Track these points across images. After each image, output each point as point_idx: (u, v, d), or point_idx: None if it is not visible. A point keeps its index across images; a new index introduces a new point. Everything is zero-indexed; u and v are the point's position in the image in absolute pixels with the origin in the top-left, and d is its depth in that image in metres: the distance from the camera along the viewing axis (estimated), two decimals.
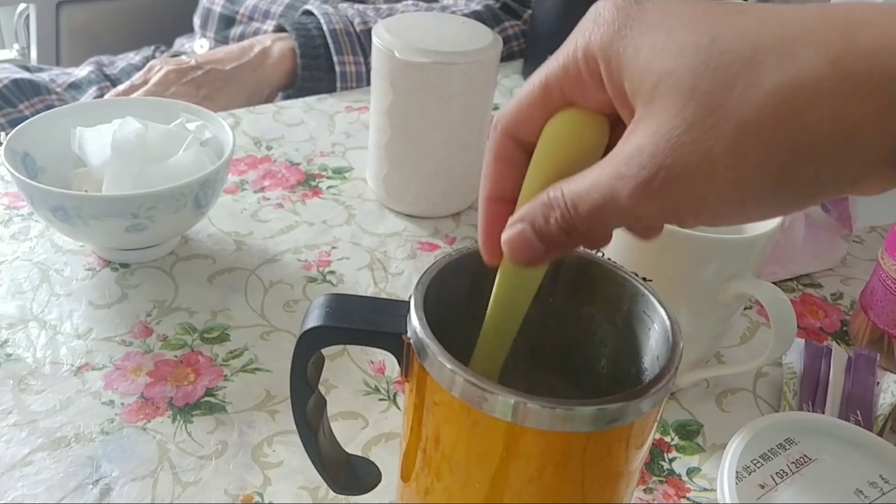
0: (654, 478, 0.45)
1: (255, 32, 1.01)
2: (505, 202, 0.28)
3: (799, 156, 0.21)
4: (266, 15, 1.02)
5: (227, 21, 1.06)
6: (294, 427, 0.34)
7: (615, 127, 0.26)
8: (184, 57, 0.86)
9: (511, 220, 0.27)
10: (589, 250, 0.31)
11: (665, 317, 0.31)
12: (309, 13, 0.91)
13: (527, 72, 0.95)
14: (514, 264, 0.28)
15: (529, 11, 0.98)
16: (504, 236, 0.27)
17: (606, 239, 0.28)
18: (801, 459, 0.42)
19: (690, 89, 0.22)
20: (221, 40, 1.06)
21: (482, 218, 0.29)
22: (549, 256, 0.27)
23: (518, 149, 0.28)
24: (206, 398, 0.48)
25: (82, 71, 1.05)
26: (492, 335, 0.32)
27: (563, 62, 0.26)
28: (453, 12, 0.93)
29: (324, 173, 0.72)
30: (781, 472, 0.41)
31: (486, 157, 0.29)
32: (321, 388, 0.35)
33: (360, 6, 0.94)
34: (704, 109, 0.22)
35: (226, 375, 0.49)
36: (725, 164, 0.22)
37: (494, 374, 0.33)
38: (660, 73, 0.23)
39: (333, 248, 0.62)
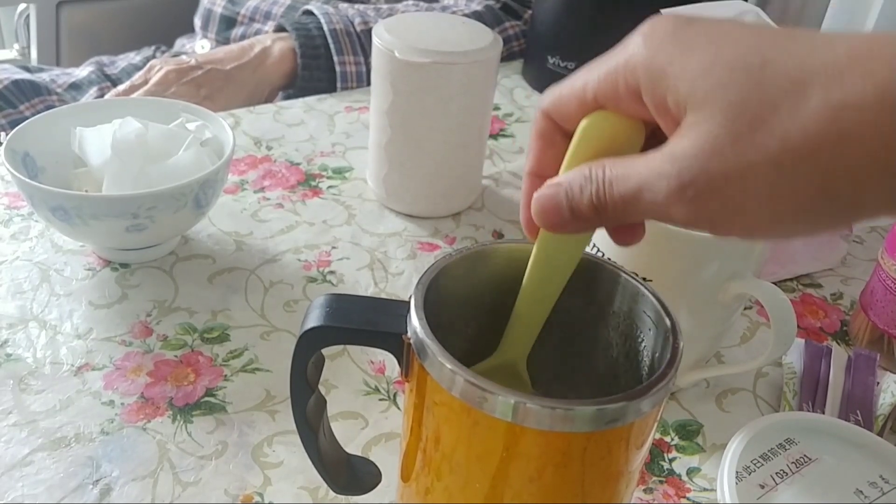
0: (654, 478, 0.45)
1: (256, 33, 1.01)
2: (544, 179, 0.29)
3: (839, 176, 0.22)
4: (267, 16, 1.02)
5: (228, 22, 1.06)
6: (294, 427, 0.34)
7: (648, 138, 0.28)
8: (184, 57, 0.86)
9: (549, 181, 0.28)
10: (606, 243, 0.32)
11: (665, 317, 0.31)
12: (309, 13, 0.91)
13: (527, 72, 0.95)
14: (539, 224, 0.29)
15: (529, 11, 0.98)
16: (536, 194, 0.28)
17: (633, 235, 0.29)
18: (801, 459, 0.42)
19: (738, 104, 0.23)
20: (222, 41, 1.06)
21: (524, 192, 0.30)
22: (572, 227, 0.28)
23: (556, 131, 0.29)
24: (206, 398, 0.48)
25: (83, 71, 1.05)
26: (524, 311, 0.32)
27: (604, 72, 0.27)
28: (453, 12, 0.93)
29: (324, 173, 0.72)
30: (781, 472, 0.41)
31: (530, 133, 0.31)
32: (321, 388, 0.35)
33: (361, 6, 0.94)
34: (751, 125, 0.23)
35: (226, 375, 0.49)
36: (766, 179, 0.22)
37: (524, 354, 0.33)
38: (708, 87, 0.24)
39: (333, 248, 0.62)
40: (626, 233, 0.30)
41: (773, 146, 0.22)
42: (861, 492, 0.40)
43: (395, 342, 0.31)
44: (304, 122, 0.80)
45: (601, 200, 0.26)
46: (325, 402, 0.36)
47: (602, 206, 0.26)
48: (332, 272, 0.59)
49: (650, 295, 0.32)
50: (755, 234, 0.24)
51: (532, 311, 0.32)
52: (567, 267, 0.31)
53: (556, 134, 0.29)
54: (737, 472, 0.40)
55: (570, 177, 0.28)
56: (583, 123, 0.28)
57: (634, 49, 0.26)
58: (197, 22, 1.11)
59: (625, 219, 0.27)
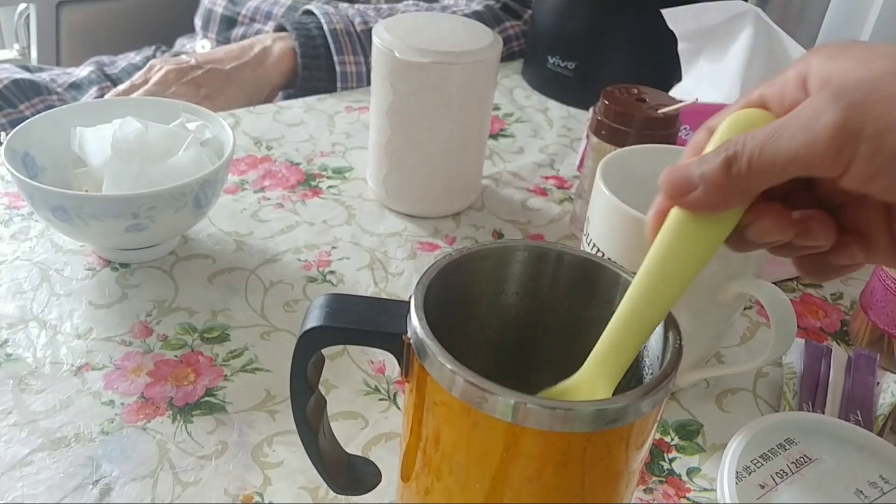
0: (654, 478, 0.45)
1: (257, 33, 1.01)
2: None
3: None
4: (267, 16, 1.02)
5: (229, 22, 1.06)
6: (294, 427, 0.34)
7: None
8: (184, 56, 0.86)
9: (682, 162, 0.28)
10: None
11: (665, 317, 0.31)
12: (309, 13, 0.91)
13: (527, 72, 0.95)
14: (666, 196, 0.27)
15: (529, 11, 0.98)
16: (667, 169, 0.28)
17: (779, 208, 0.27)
18: (801, 459, 0.42)
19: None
20: (223, 41, 1.06)
21: (657, 202, 0.29)
22: (702, 198, 0.26)
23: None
24: (206, 398, 0.48)
25: (83, 71, 1.05)
26: (630, 320, 0.29)
27: (777, 76, 0.27)
28: (453, 12, 0.93)
29: (324, 173, 0.72)
30: (781, 472, 0.41)
31: (685, 150, 0.30)
32: (321, 388, 0.35)
33: (361, 6, 0.94)
34: None
35: (226, 375, 0.49)
36: None
37: (620, 371, 0.30)
38: (870, 57, 0.25)
39: (333, 248, 0.62)
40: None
41: None
42: (861, 492, 0.40)
43: (395, 342, 0.31)
44: (304, 122, 0.80)
45: (736, 154, 0.25)
46: (325, 402, 0.36)
47: (736, 159, 0.25)
48: (332, 272, 0.59)
49: None
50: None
51: (639, 322, 0.29)
52: (690, 265, 0.28)
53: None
54: (737, 472, 0.40)
55: (708, 151, 0.27)
56: (727, 118, 0.28)
57: (807, 56, 0.27)
58: (197, 22, 1.11)
59: (760, 174, 0.25)
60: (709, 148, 0.28)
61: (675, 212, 0.28)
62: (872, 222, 0.27)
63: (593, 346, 0.36)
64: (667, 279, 0.28)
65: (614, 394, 0.27)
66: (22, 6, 1.31)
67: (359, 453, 0.44)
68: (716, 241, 0.28)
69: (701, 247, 0.28)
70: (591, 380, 0.30)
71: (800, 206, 0.28)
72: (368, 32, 0.87)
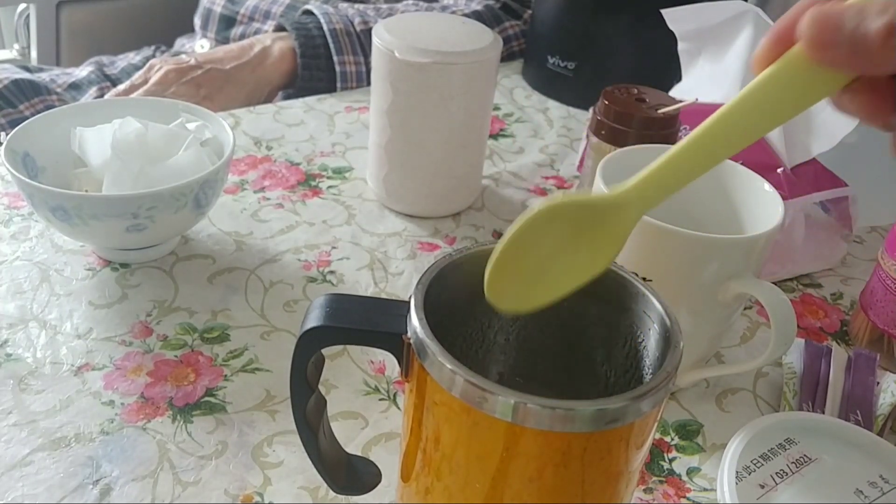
0: (654, 478, 0.45)
1: (256, 33, 1.01)
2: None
3: None
4: (267, 15, 1.02)
5: (228, 21, 1.06)
6: (294, 427, 0.34)
7: None
8: (183, 56, 0.86)
9: (832, 3, 0.24)
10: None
11: (665, 317, 0.31)
12: (309, 13, 0.91)
13: (527, 72, 0.95)
14: (803, 37, 0.24)
15: (529, 11, 0.98)
16: (813, 7, 0.24)
17: None
18: (801, 459, 0.42)
19: None
20: (222, 41, 1.06)
21: (792, 12, 0.26)
22: (841, 54, 0.24)
23: None
24: (206, 398, 0.48)
25: (82, 71, 1.05)
26: (698, 145, 0.27)
27: None
28: (453, 12, 0.93)
29: (324, 173, 0.72)
30: (781, 472, 0.41)
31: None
32: (321, 388, 0.35)
33: (361, 6, 0.94)
34: None
35: (226, 375, 0.49)
36: None
37: (652, 203, 0.28)
38: None
39: (333, 248, 0.62)
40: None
41: None
42: (861, 492, 0.41)
43: (395, 342, 0.31)
44: (304, 122, 0.80)
45: None
46: (325, 402, 0.36)
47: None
48: (332, 272, 0.59)
49: (650, 295, 0.32)
50: None
51: (710, 146, 0.27)
52: (784, 110, 0.26)
53: None
54: (737, 472, 0.40)
55: (869, 1, 0.23)
56: None
57: None
58: (197, 21, 1.11)
59: None
60: None
61: (797, 51, 0.25)
62: None
63: (592, 345, 0.36)
64: (763, 115, 0.26)
65: (612, 394, 0.27)
66: (22, 6, 1.31)
67: (359, 453, 0.44)
68: (827, 93, 0.26)
69: (811, 94, 0.26)
70: (627, 200, 0.29)
71: None
72: (368, 32, 0.87)
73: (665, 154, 0.28)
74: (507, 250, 0.29)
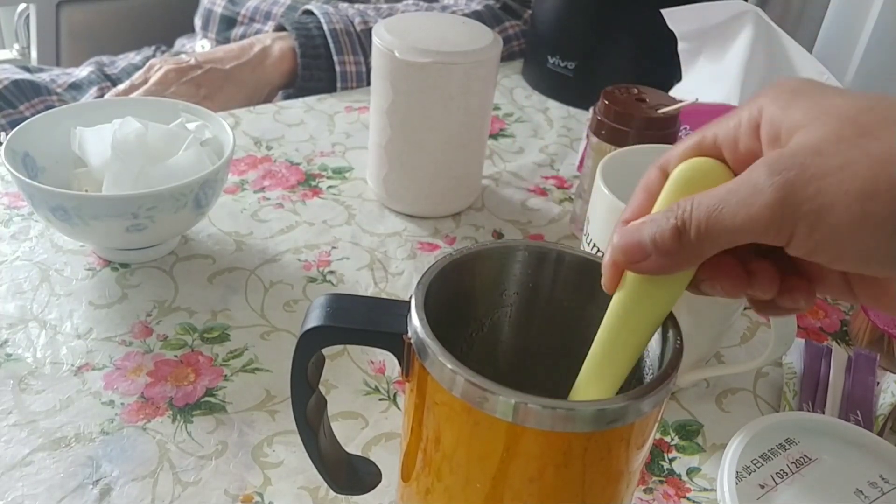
0: (654, 478, 0.45)
1: (256, 33, 1.01)
2: None
3: None
4: (267, 16, 1.02)
5: (229, 22, 1.06)
6: (294, 427, 0.34)
7: None
8: (183, 56, 0.86)
9: (634, 223, 0.28)
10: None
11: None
12: (309, 12, 0.91)
13: (527, 72, 0.95)
14: (620, 261, 0.28)
15: (529, 11, 0.98)
16: (619, 230, 0.28)
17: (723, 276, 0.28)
18: (801, 459, 0.42)
19: (850, 118, 0.23)
20: (222, 41, 1.06)
21: (610, 242, 0.29)
22: (655, 263, 0.27)
23: (662, 181, 0.29)
24: (206, 398, 0.48)
25: (82, 71, 1.05)
26: (601, 358, 0.30)
27: (731, 116, 0.27)
28: (453, 12, 0.93)
29: (324, 173, 0.72)
30: (781, 472, 0.41)
31: (638, 186, 0.30)
32: (321, 388, 0.35)
33: (361, 6, 0.94)
34: (859, 131, 0.23)
35: (226, 375, 0.49)
36: (861, 178, 0.22)
37: (610, 387, 0.31)
38: (824, 109, 0.24)
39: (333, 248, 0.62)
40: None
41: (875, 149, 0.22)
42: (861, 492, 0.40)
43: (395, 342, 0.30)
44: (304, 122, 0.80)
45: (685, 223, 0.26)
46: (325, 402, 0.36)
47: (685, 228, 0.26)
48: (332, 272, 0.59)
49: None
50: (842, 253, 0.23)
51: (607, 364, 0.30)
52: (650, 320, 0.29)
53: (660, 185, 0.29)
54: (737, 472, 0.40)
55: (656, 213, 0.27)
56: (677, 168, 0.28)
57: (761, 96, 0.27)
58: (197, 22, 1.11)
59: (709, 243, 0.25)
60: (660, 202, 0.28)
61: (631, 274, 0.28)
62: (824, 269, 0.27)
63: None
64: (631, 331, 0.29)
65: (616, 395, 0.27)
66: (22, 6, 1.31)
67: (359, 453, 0.44)
68: (675, 295, 0.29)
69: (661, 302, 0.29)
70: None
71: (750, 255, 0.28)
72: (368, 32, 0.87)
73: (577, 381, 0.31)
74: None
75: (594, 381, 0.30)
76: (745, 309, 0.59)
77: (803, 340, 0.53)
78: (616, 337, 0.29)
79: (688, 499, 0.44)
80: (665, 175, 0.29)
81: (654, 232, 0.26)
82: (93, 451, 0.44)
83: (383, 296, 0.57)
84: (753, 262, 0.28)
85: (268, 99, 0.90)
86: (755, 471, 0.41)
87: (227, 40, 1.05)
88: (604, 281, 0.29)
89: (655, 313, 0.29)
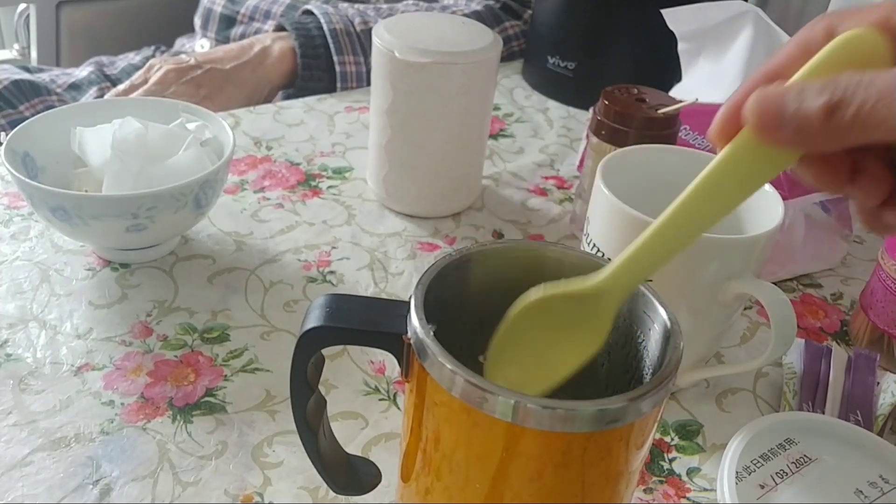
0: (654, 478, 0.45)
1: (256, 33, 1.01)
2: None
3: None
4: (267, 15, 1.02)
5: (228, 21, 1.06)
6: (294, 427, 0.34)
7: None
8: (183, 56, 0.86)
9: (778, 82, 0.25)
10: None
11: (665, 317, 0.31)
12: (309, 13, 0.91)
13: (527, 72, 0.95)
14: (750, 121, 0.25)
15: (529, 11, 0.98)
16: (760, 89, 0.25)
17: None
18: (801, 459, 0.42)
19: None
20: (222, 40, 1.06)
21: (737, 93, 0.26)
22: (786, 134, 0.24)
23: (825, 41, 0.25)
24: (206, 398, 0.48)
25: (82, 71, 1.05)
26: (662, 232, 0.28)
27: None
28: (453, 12, 0.93)
29: (324, 173, 0.72)
30: (781, 472, 0.41)
31: (790, 40, 0.27)
32: (321, 388, 0.35)
33: (361, 6, 0.94)
34: None
35: (226, 375, 0.49)
36: None
37: (629, 289, 0.30)
38: None
39: (333, 248, 0.62)
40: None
41: None
42: (861, 492, 0.40)
43: (395, 342, 0.31)
44: (304, 122, 0.80)
45: (842, 101, 0.22)
46: (325, 402, 0.36)
47: (841, 105, 0.22)
48: (332, 272, 0.59)
49: (650, 295, 0.32)
50: None
51: (672, 236, 0.28)
52: (740, 193, 0.26)
53: (822, 45, 0.25)
54: (737, 472, 0.40)
55: (809, 81, 0.24)
56: (841, 36, 0.25)
57: None
58: (197, 21, 1.11)
59: (862, 131, 0.22)
60: (812, 65, 0.25)
61: (746, 133, 0.26)
62: None
63: None
64: (725, 196, 0.27)
65: (612, 394, 0.27)
66: (22, 6, 1.31)
67: (359, 453, 0.44)
68: (782, 167, 0.26)
69: (766, 171, 0.26)
70: (604, 290, 0.30)
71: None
72: (368, 32, 0.87)
73: (637, 240, 0.28)
74: (500, 343, 0.31)
75: (658, 245, 0.28)
76: (745, 309, 0.59)
77: (803, 340, 0.53)
78: (707, 199, 0.27)
79: (688, 499, 0.44)
80: (830, 36, 0.25)
81: (801, 104, 0.23)
82: (93, 452, 0.44)
83: (383, 296, 0.57)
84: (865, 159, 0.25)
85: (268, 99, 0.90)
86: (755, 471, 0.41)
87: (226, 39, 1.05)
88: (712, 129, 0.26)
89: (756, 182, 0.26)
